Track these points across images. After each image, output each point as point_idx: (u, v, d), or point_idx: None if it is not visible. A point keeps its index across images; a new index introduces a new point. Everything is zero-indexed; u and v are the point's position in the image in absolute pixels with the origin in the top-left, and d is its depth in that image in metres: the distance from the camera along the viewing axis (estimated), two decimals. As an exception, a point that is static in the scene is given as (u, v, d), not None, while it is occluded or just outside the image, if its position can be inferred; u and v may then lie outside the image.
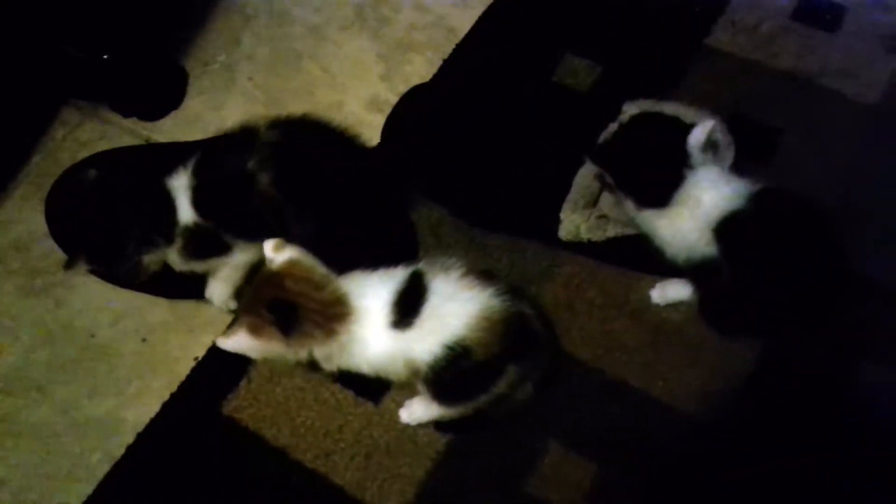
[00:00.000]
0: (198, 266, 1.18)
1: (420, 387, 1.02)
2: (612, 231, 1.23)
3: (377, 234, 1.23)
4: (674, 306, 1.23)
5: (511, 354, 0.99)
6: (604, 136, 1.23)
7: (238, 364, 1.20)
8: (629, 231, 1.22)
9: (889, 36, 1.48)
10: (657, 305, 1.23)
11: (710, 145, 1.10)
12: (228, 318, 1.22)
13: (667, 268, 1.16)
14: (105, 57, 1.37)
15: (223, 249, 1.16)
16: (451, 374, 0.96)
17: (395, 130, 1.36)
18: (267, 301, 0.95)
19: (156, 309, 1.28)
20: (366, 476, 1.13)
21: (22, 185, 1.41)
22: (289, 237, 1.00)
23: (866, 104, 1.41)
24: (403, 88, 1.43)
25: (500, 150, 1.30)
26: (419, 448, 1.15)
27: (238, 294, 1.21)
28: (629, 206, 1.14)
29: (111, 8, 1.38)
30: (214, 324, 1.25)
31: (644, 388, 1.18)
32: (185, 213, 1.12)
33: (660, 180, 1.09)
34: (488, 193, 1.29)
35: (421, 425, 1.15)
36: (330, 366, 0.99)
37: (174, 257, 1.16)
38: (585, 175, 1.25)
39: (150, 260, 1.15)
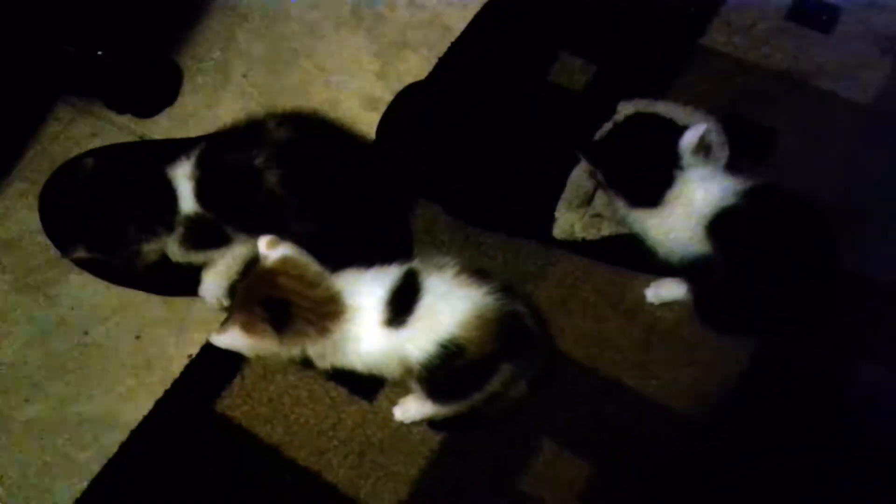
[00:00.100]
0: (195, 257, 1.18)
1: (414, 385, 1.02)
2: (606, 230, 1.23)
3: (374, 233, 1.23)
4: (668, 305, 1.23)
5: (505, 353, 0.99)
6: (598, 135, 1.23)
7: (232, 361, 1.20)
8: (623, 230, 1.22)
9: (884, 36, 1.48)
10: (651, 304, 1.23)
11: (703, 147, 1.11)
12: (222, 316, 1.21)
13: (661, 267, 1.17)
14: (99, 53, 1.37)
15: (223, 241, 1.16)
16: (444, 372, 0.96)
17: (389, 128, 1.36)
18: (260, 298, 0.95)
19: (150, 306, 1.28)
20: (359, 474, 1.13)
21: (15, 181, 1.41)
22: (288, 235, 1.00)
23: (861, 104, 1.41)
24: (399, 86, 1.42)
25: (495, 148, 1.30)
26: (413, 446, 1.15)
27: (231, 290, 1.20)
28: (620, 205, 1.14)
29: (105, 4, 1.37)
30: (208, 321, 1.25)
31: (638, 387, 1.18)
32: (187, 202, 1.13)
33: (651, 180, 1.09)
34: (483, 192, 1.29)
35: (415, 423, 1.15)
36: (323, 363, 1.00)
37: (173, 247, 1.16)
38: (580, 174, 1.25)
39: (149, 249, 1.15)
